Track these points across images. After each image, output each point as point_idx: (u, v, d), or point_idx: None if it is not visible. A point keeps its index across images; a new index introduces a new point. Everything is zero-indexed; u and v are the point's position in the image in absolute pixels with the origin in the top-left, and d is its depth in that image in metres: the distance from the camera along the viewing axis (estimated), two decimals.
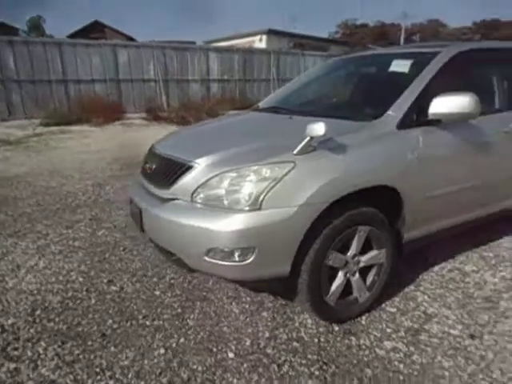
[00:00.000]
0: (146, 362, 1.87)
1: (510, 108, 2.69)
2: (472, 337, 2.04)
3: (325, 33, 46.41)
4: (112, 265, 2.82)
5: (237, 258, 1.82)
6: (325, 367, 1.83)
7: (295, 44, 21.49)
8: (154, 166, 2.28)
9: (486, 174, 2.63)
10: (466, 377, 1.78)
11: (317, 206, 1.85)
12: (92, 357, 1.90)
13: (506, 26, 49.93)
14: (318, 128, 1.76)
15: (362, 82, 3.14)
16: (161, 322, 2.17)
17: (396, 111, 2.20)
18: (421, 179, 2.20)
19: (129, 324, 2.15)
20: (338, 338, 2.04)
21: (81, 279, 2.63)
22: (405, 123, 2.17)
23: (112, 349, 1.96)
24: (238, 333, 2.08)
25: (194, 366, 1.84)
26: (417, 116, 2.21)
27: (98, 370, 1.82)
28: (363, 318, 2.20)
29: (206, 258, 1.86)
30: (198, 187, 1.95)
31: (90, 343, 1.99)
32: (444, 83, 2.32)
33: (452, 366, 1.83)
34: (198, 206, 1.95)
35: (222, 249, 1.81)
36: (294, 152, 1.85)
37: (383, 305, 2.31)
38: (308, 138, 1.81)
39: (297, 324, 2.15)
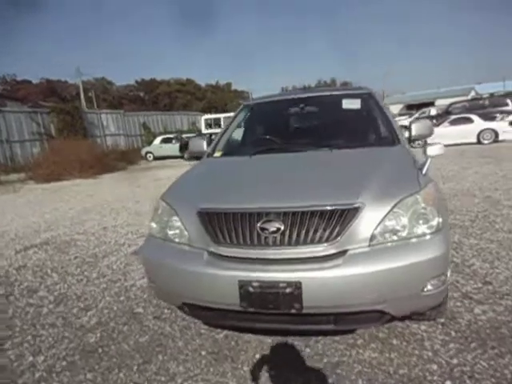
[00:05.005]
0: None
1: None
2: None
3: None
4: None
5: (445, 278, 1.93)
6: (490, 342, 2.24)
7: None
8: (280, 226, 1.85)
9: None
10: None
11: (446, 213, 2.19)
12: None
13: (162, 83, 60.77)
14: (439, 148, 2.24)
15: (335, 117, 3.35)
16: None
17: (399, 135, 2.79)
18: None
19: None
20: (457, 325, 2.43)
21: None
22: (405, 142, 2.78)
23: None
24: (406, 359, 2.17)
25: None
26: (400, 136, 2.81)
27: None
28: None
29: (423, 293, 1.84)
30: (377, 226, 1.85)
31: None
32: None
33: None
34: (382, 245, 1.84)
35: (439, 275, 1.85)
36: (423, 172, 2.13)
37: None
38: (429, 159, 2.19)
39: (425, 335, 2.37)
